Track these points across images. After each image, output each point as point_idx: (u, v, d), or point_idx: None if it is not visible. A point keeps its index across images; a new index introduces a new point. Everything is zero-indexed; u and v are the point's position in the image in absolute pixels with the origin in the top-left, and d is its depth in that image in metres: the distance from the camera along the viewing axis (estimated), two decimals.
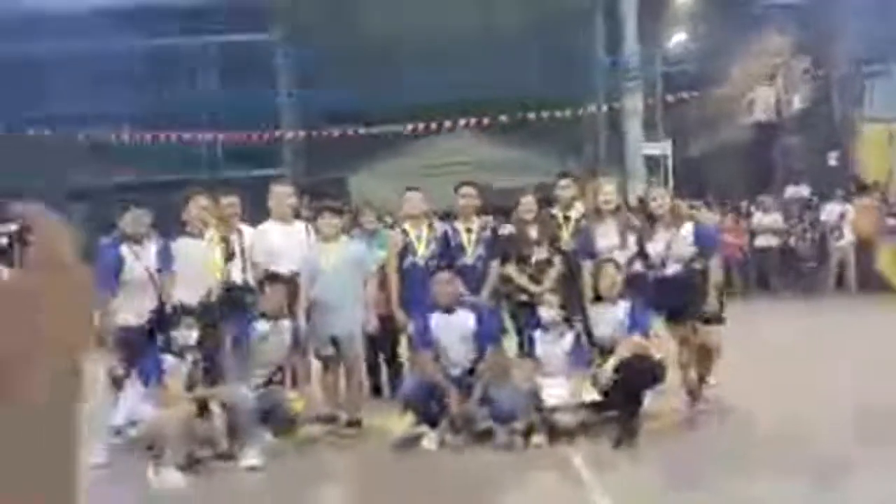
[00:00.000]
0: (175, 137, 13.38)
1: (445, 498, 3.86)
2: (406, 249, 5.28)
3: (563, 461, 4.18)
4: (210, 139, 14.25)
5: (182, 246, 4.60)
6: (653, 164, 13.06)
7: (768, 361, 5.95)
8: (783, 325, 8.22)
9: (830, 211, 10.84)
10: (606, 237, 5.08)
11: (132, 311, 4.34)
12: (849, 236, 10.55)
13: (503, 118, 12.88)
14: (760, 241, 10.90)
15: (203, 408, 4.47)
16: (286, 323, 4.63)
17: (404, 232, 5.35)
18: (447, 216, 5.62)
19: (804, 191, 12.04)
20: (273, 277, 4.69)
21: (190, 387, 4.25)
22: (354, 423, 4.98)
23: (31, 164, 13.96)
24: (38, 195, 13.82)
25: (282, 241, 5.10)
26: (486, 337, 4.61)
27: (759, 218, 11.04)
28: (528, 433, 4.47)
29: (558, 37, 13.24)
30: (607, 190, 5.34)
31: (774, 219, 11.02)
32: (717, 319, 5.00)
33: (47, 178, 14.20)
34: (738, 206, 11.55)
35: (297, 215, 5.44)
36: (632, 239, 5.09)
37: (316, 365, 5.05)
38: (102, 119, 13.56)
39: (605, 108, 13.76)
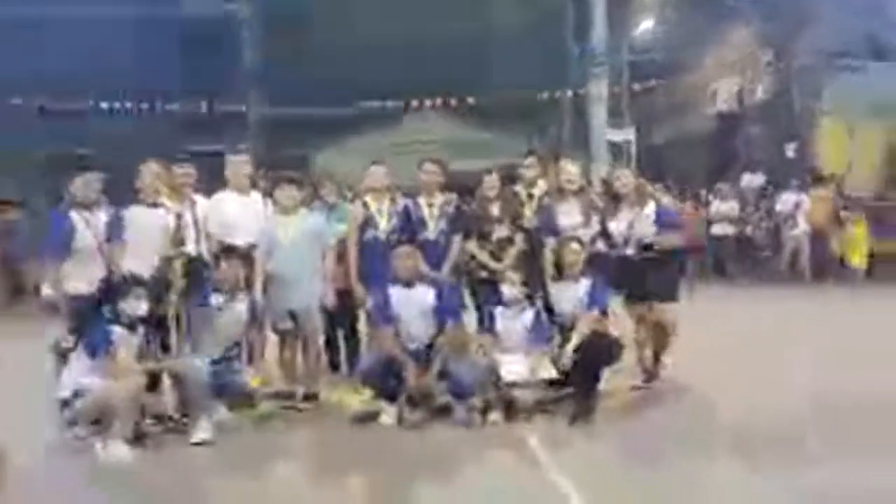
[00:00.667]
0: (135, 109, 12.99)
1: (402, 473, 3.82)
2: (367, 223, 5.21)
3: (520, 439, 4.19)
4: (172, 112, 13.88)
5: (134, 215, 4.44)
6: (616, 150, 13.18)
7: (723, 344, 6.08)
8: (738, 310, 8.42)
9: (786, 200, 11.09)
10: (569, 216, 5.08)
11: (83, 279, 4.19)
12: (803, 225, 10.81)
13: (470, 100, 12.83)
14: (716, 229, 11.11)
15: (154, 381, 4.37)
16: (242, 296, 4.52)
17: (365, 205, 5.27)
18: (412, 195, 5.55)
19: (760, 180, 12.29)
20: (228, 250, 4.57)
21: (140, 359, 4.12)
22: (311, 398, 4.93)
23: None
24: None
25: (238, 213, 4.96)
26: (445, 312, 4.58)
27: (716, 206, 11.24)
28: (485, 410, 4.47)
29: (527, 21, 13.24)
30: (570, 170, 5.33)
31: (731, 206, 11.23)
32: (672, 298, 5.07)
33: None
34: (698, 193, 11.74)
35: (255, 186, 5.31)
36: (594, 218, 5.10)
37: (272, 339, 4.96)
38: (61, 87, 13.08)
39: (570, 93, 13.81)
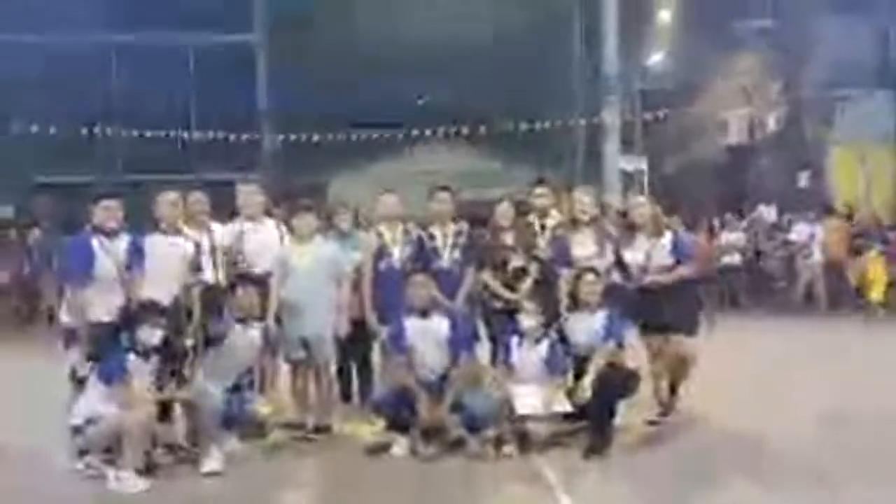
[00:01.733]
0: (151, 138, 13.17)
1: (411, 502, 3.75)
2: (381, 252, 5.21)
3: (534, 472, 4.12)
4: (186, 141, 14.07)
5: (152, 243, 4.46)
6: (628, 179, 13.20)
7: (738, 377, 5.99)
8: (752, 341, 8.30)
9: (800, 231, 11.03)
10: (583, 246, 5.05)
11: (102, 306, 4.20)
12: (818, 255, 10.73)
13: (482, 129, 12.92)
14: (726, 259, 11.06)
15: (165, 410, 4.35)
16: (256, 324, 4.51)
17: (379, 234, 5.28)
18: (425, 227, 5.55)
19: (772, 210, 12.24)
20: (244, 277, 4.58)
21: (153, 388, 4.11)
22: (323, 429, 4.88)
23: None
24: (2, 190, 13.54)
25: (252, 241, 4.99)
26: (459, 343, 4.54)
27: (725, 236, 11.21)
28: (499, 443, 4.41)
29: (539, 51, 13.36)
30: (584, 200, 5.30)
31: (738, 237, 11.20)
32: (691, 330, 5.00)
33: (17, 174, 13.92)
34: (710, 223, 11.70)
35: (269, 214, 5.34)
36: (609, 248, 5.07)
37: (284, 368, 4.94)
38: (77, 116, 13.30)
39: (583, 122, 13.88)
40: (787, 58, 13.61)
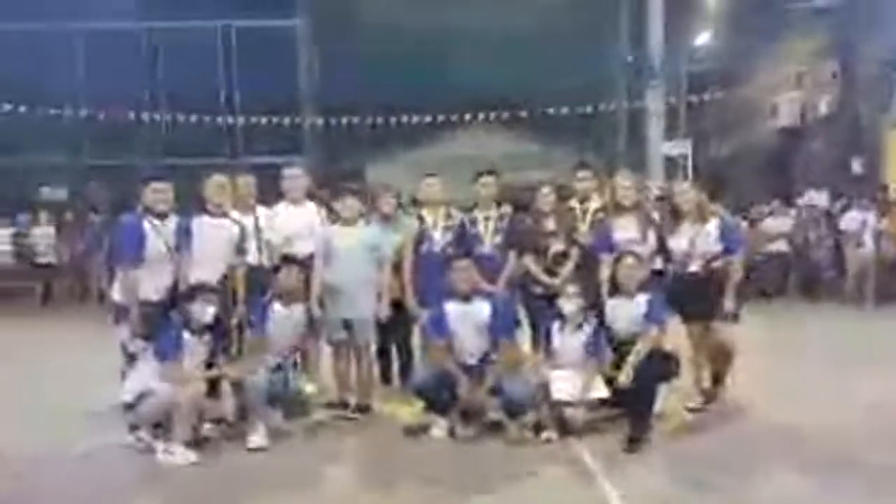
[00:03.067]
0: (196, 121, 13.43)
1: (452, 486, 3.79)
2: (422, 236, 5.25)
3: (573, 456, 4.13)
4: (229, 124, 14.31)
5: (200, 225, 4.58)
6: (671, 164, 12.94)
7: (782, 365, 5.87)
8: (799, 330, 8.12)
9: (852, 219, 10.66)
10: (625, 231, 4.99)
11: (152, 286, 4.35)
12: (870, 245, 10.36)
13: (522, 113, 12.80)
14: (772, 247, 10.76)
15: (213, 386, 4.48)
16: (300, 306, 4.60)
17: (420, 218, 5.31)
18: (467, 210, 5.56)
19: (823, 197, 11.85)
20: (289, 259, 4.66)
21: (204, 366, 4.24)
22: (364, 409, 4.97)
23: (51, 142, 14.13)
24: (58, 172, 14.03)
25: (295, 223, 5.08)
26: (500, 328, 4.55)
27: (769, 223, 10.90)
28: (538, 427, 4.42)
29: (582, 33, 13.14)
30: (626, 184, 5.24)
31: (784, 224, 10.88)
32: (733, 319, 4.91)
33: (68, 156, 14.38)
34: (759, 210, 11.40)
35: (311, 197, 5.41)
36: (651, 234, 5.00)
37: (326, 350, 5.03)
38: (123, 100, 13.64)
39: (626, 105, 13.64)
40: (843, 39, 13.10)
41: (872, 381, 5.44)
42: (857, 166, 12.64)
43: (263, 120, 13.57)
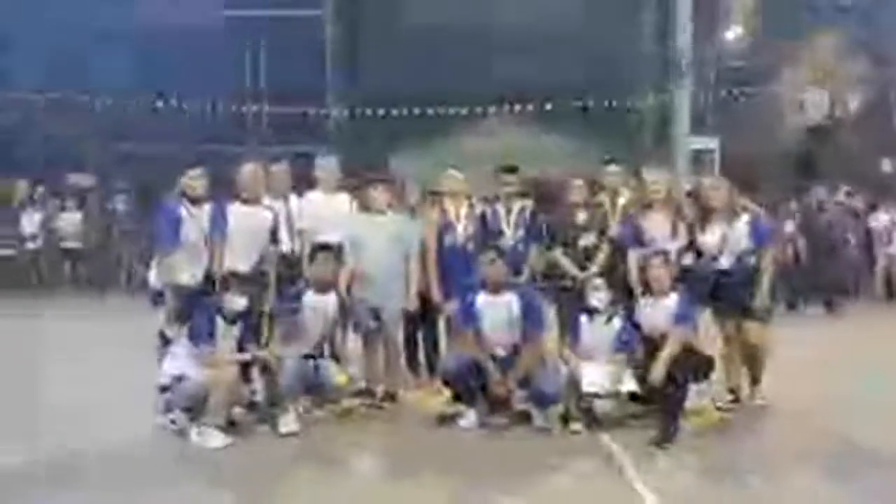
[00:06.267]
0: (223, 111, 13.54)
1: (480, 477, 3.80)
2: (445, 228, 5.27)
3: (601, 449, 4.13)
4: (256, 113, 14.41)
5: (234, 212, 4.63)
6: (698, 159, 12.83)
7: (812, 364, 5.81)
8: (826, 328, 8.05)
9: (880, 218, 10.52)
10: (655, 226, 4.97)
11: (187, 271, 4.42)
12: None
13: (548, 106, 12.75)
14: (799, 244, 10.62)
15: (245, 371, 4.54)
16: (334, 295, 4.64)
17: (444, 210, 5.33)
18: (487, 200, 5.57)
19: (850, 195, 11.67)
20: (322, 248, 4.70)
21: (238, 351, 4.30)
22: (391, 397, 5.01)
23: (80, 130, 14.32)
24: (87, 159, 14.20)
25: (327, 212, 5.12)
26: (530, 320, 4.55)
27: (798, 220, 10.76)
28: (566, 418, 4.43)
29: (609, 27, 13.04)
30: (657, 179, 5.22)
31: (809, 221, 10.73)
32: (765, 318, 4.88)
33: (96, 144, 14.57)
34: (788, 206, 11.26)
35: (341, 187, 5.45)
36: (682, 230, 4.98)
37: (354, 338, 5.06)
38: (150, 88, 13.78)
39: (653, 100, 13.52)
40: (873, 36, 12.89)
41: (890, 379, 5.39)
42: (887, 166, 12.47)
43: (289, 109, 13.64)
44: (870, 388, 5.23)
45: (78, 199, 12.16)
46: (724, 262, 4.79)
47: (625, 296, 4.83)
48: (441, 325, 5.47)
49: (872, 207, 10.86)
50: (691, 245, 4.95)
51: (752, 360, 4.83)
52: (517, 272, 5.01)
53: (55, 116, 13.51)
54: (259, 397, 4.63)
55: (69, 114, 13.59)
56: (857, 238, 10.61)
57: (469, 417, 4.53)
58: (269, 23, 14.83)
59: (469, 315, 4.60)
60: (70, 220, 11.76)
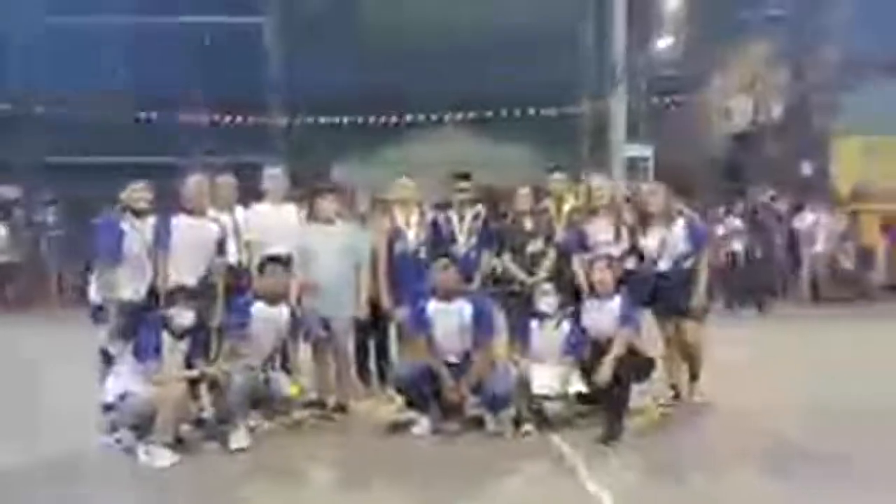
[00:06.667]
0: (157, 119, 13.17)
1: (436, 484, 3.84)
2: (396, 236, 5.30)
3: (553, 450, 4.23)
4: (192, 122, 14.06)
5: (180, 225, 4.53)
6: (634, 165, 13.25)
7: (747, 363, 6.09)
8: (757, 329, 8.44)
9: (803, 219, 11.11)
10: (600, 231, 5.14)
11: (130, 286, 4.30)
12: (821, 244, 10.83)
13: (488, 114, 12.96)
14: (733, 246, 11.13)
15: (192, 387, 4.44)
16: (283, 306, 4.59)
17: (393, 218, 5.37)
18: (439, 207, 5.64)
19: (776, 198, 12.29)
20: (271, 259, 4.65)
21: (186, 367, 4.20)
22: (342, 408, 4.99)
23: (6, 139, 13.67)
24: (11, 170, 13.55)
25: (275, 223, 5.06)
26: (481, 326, 4.62)
27: (730, 223, 11.28)
28: (517, 421, 4.52)
29: (548, 37, 13.35)
30: (600, 185, 5.40)
31: (741, 224, 11.27)
32: (701, 317, 5.10)
33: (21, 154, 13.93)
34: (715, 210, 11.76)
35: (288, 198, 5.40)
36: (625, 234, 5.15)
37: (304, 348, 5.02)
38: (88, 96, 13.29)
39: (590, 109, 13.91)
40: (796, 47, 13.62)
41: (831, 378, 5.74)
42: (806, 169, 13.18)
43: (227, 118, 13.40)
44: (800, 387, 5.53)
45: (2, 211, 11.61)
46: (663, 265, 4.99)
47: (571, 300, 4.96)
48: (392, 332, 5.50)
49: (798, 208, 11.44)
50: (633, 249, 5.13)
51: (691, 358, 5.04)
52: (469, 279, 5.08)
53: None
54: (207, 414, 4.54)
55: None
56: (782, 240, 11.18)
57: (422, 424, 4.56)
58: (209, 29, 14.52)
59: (420, 322, 4.64)
60: None
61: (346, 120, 13.11)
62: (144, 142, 13.24)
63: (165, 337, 4.14)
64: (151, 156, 11.99)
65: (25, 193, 13.67)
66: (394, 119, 13.00)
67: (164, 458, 4.00)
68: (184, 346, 4.22)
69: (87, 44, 13.53)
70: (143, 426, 4.06)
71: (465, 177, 5.43)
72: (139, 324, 4.19)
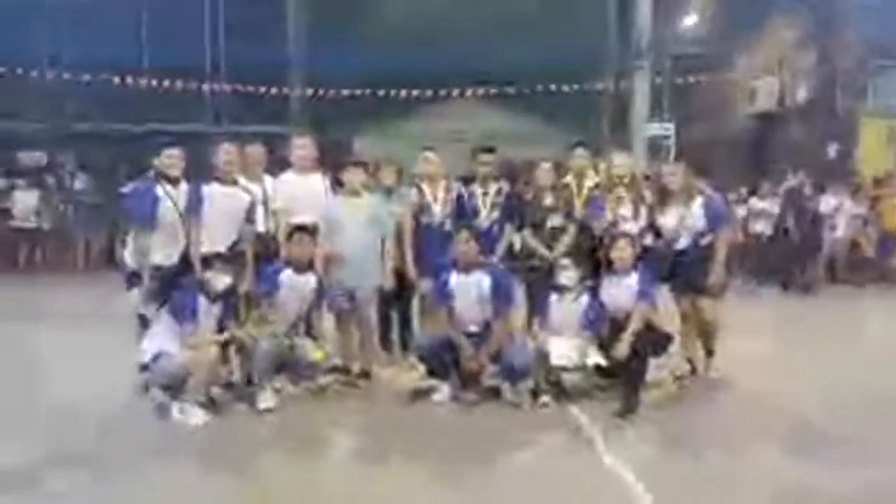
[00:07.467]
0: (181, 88, 13.29)
1: (455, 453, 3.92)
2: (422, 208, 5.40)
3: (571, 422, 4.34)
4: (216, 92, 14.17)
5: (212, 193, 4.65)
6: (655, 144, 13.19)
7: (768, 341, 6.16)
8: (776, 308, 8.48)
9: (826, 202, 11.02)
10: (619, 208, 5.20)
11: (164, 251, 4.43)
12: (842, 228, 10.76)
13: (510, 90, 12.93)
14: (756, 227, 11.10)
15: (223, 350, 4.60)
16: (309, 274, 4.71)
17: (420, 191, 5.46)
18: (464, 181, 5.71)
19: (802, 180, 12.18)
20: (300, 228, 4.76)
21: (218, 331, 4.36)
22: (365, 375, 5.14)
23: (32, 107, 13.86)
24: (38, 137, 13.75)
25: (302, 193, 5.16)
26: (501, 298, 4.72)
27: (755, 203, 11.23)
28: (535, 392, 4.64)
29: (572, 12, 13.24)
30: (621, 162, 5.46)
31: (770, 205, 11.21)
32: (717, 295, 5.17)
33: (50, 122, 14.13)
34: (738, 191, 11.71)
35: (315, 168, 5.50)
36: (643, 212, 5.21)
37: (329, 317, 5.16)
38: (108, 65, 13.41)
39: (612, 86, 13.82)
40: (823, 29, 13.39)
41: (844, 358, 5.79)
42: (831, 151, 13.03)
43: (250, 89, 13.48)
44: (811, 363, 5.61)
45: (32, 177, 11.82)
46: (681, 243, 5.06)
47: (591, 274, 5.05)
48: (415, 304, 5.62)
49: (821, 189, 11.34)
50: (651, 226, 5.20)
51: (707, 334, 5.13)
52: (491, 252, 5.18)
53: None
54: (236, 377, 4.71)
55: (15, 90, 13.14)
56: (807, 223, 11.11)
57: (443, 391, 4.69)
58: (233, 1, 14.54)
59: (443, 294, 4.75)
60: (23, 199, 11.44)
61: (367, 92, 13.13)
62: (167, 111, 13.36)
63: (201, 300, 4.29)
64: (174, 123, 12.11)
65: (51, 160, 13.92)
66: (415, 93, 13.00)
67: (198, 416, 4.17)
68: (216, 309, 4.37)
69: (113, 12, 13.60)
70: (175, 386, 4.23)
71: (490, 150, 5.50)
72: (176, 287, 4.34)
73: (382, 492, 3.45)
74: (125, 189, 6.00)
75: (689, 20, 15.14)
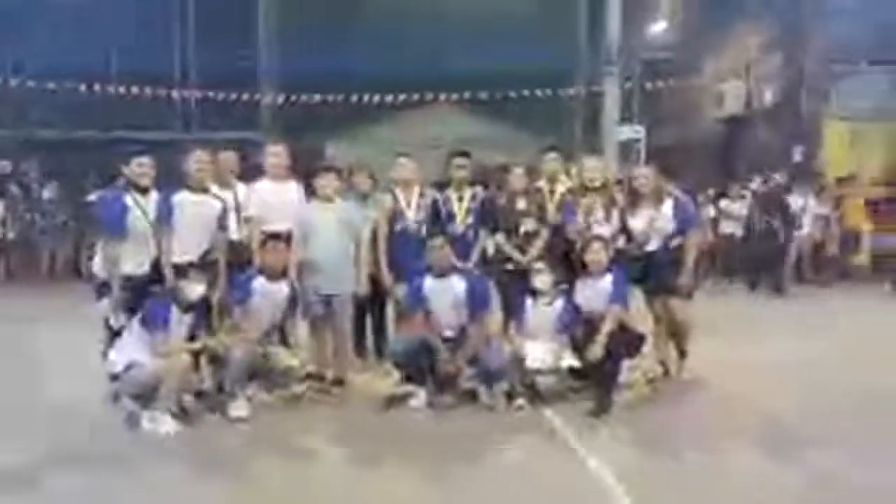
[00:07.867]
0: (150, 95, 13.10)
1: (432, 457, 3.93)
2: (396, 213, 5.40)
3: (545, 424, 4.38)
4: (185, 98, 14.00)
5: (183, 201, 4.59)
6: (625, 148, 13.34)
7: (739, 341, 6.26)
8: (746, 307, 8.63)
9: (794, 202, 11.26)
10: (591, 212, 5.25)
11: (135, 260, 4.37)
12: (807, 228, 11.01)
13: (482, 95, 13.00)
14: (725, 228, 11.30)
15: (194, 361, 4.55)
16: (283, 282, 4.68)
17: (394, 197, 5.46)
18: (438, 186, 5.73)
19: (776, 182, 12.42)
20: (273, 236, 4.73)
21: (189, 339, 4.30)
22: (340, 382, 5.11)
23: None
24: (5, 146, 13.43)
25: (275, 200, 5.13)
26: (476, 302, 4.75)
27: (725, 205, 11.43)
28: (510, 395, 4.66)
29: (543, 19, 13.37)
30: (593, 166, 5.52)
31: (739, 206, 11.42)
32: (688, 295, 5.25)
33: (14, 129, 13.83)
34: (707, 193, 11.90)
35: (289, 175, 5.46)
36: (615, 215, 5.27)
37: (303, 324, 5.12)
38: (74, 71, 13.17)
39: (583, 91, 13.97)
40: (789, 31, 13.70)
41: (816, 356, 5.92)
42: (797, 154, 13.32)
43: (221, 95, 13.35)
44: (782, 362, 5.71)
45: None
46: (652, 245, 5.13)
47: (564, 278, 5.08)
48: (389, 310, 5.61)
49: (787, 190, 11.58)
50: (623, 229, 5.26)
51: (679, 335, 5.20)
52: (466, 257, 5.19)
53: None
54: (207, 385, 4.65)
55: None
56: (778, 223, 11.33)
57: (419, 397, 4.69)
58: (202, 4, 14.39)
59: (418, 299, 4.76)
60: None
61: (339, 98, 13.09)
62: (135, 118, 13.18)
63: (174, 309, 4.23)
64: (143, 131, 11.95)
65: (15, 168, 13.60)
66: (388, 98, 13.00)
67: (168, 424, 4.12)
68: (189, 319, 4.32)
69: (77, 18, 13.38)
70: (146, 395, 4.17)
71: (464, 154, 5.52)
72: (145, 297, 4.28)
73: (359, 499, 3.43)
74: (93, 197, 5.89)
75: (659, 26, 15.39)
